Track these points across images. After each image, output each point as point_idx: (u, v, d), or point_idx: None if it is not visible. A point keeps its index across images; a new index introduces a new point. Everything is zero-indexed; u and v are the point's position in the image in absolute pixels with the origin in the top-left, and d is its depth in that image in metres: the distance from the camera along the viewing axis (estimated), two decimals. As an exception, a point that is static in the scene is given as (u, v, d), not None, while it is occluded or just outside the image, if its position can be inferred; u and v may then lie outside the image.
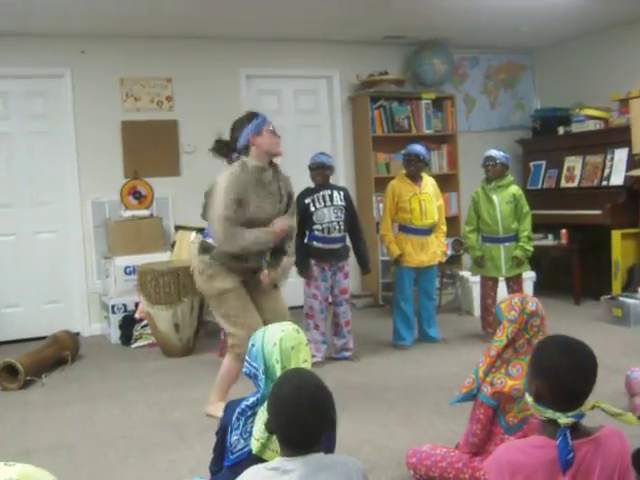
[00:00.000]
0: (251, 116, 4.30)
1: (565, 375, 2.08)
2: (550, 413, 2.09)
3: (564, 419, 2.05)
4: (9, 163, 6.99)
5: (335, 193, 5.58)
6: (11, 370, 5.34)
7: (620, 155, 7.30)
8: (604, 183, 7.42)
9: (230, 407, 2.80)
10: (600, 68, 8.12)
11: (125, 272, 6.71)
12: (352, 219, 5.67)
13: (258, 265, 4.42)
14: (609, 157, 7.44)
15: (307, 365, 2.61)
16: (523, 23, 7.50)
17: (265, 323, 4.31)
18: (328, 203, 5.50)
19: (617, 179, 7.28)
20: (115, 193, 7.08)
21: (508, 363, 3.04)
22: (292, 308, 7.26)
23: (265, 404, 2.42)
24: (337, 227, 5.51)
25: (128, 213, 6.99)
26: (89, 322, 7.22)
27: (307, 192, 5.53)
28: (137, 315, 6.59)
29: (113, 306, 6.74)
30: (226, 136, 4.32)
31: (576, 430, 2.08)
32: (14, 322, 6.93)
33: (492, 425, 3.04)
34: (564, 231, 7.47)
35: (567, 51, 8.63)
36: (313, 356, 5.31)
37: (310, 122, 8.10)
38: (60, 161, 7.11)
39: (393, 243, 5.96)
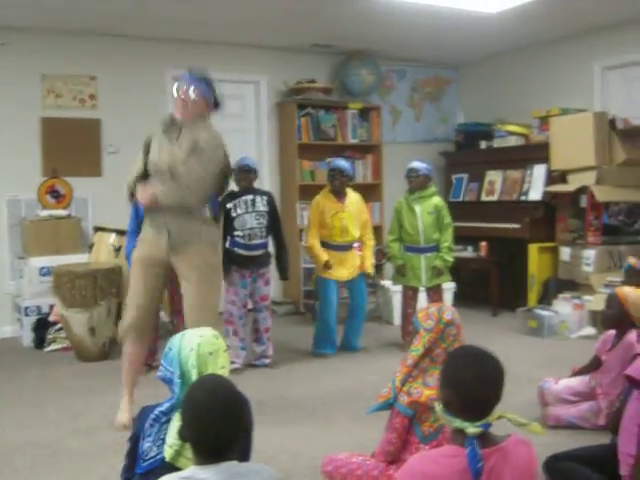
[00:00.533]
0: (185, 75, 4.32)
1: (471, 385, 2.11)
2: (458, 422, 2.12)
3: (472, 429, 2.08)
4: None
5: (258, 198, 5.53)
6: None
7: (539, 171, 7.49)
8: (523, 198, 7.60)
9: (143, 413, 2.73)
10: (521, 85, 8.35)
11: (40, 273, 6.52)
12: (275, 224, 5.64)
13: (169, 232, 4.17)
14: (528, 172, 7.63)
15: (224, 372, 2.57)
16: (449, 38, 7.63)
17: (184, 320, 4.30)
18: (250, 209, 5.46)
19: (535, 194, 7.46)
20: (32, 192, 6.88)
21: (425, 372, 3.05)
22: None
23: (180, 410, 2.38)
24: (259, 233, 5.48)
25: (45, 212, 6.80)
26: (0, 324, 6.99)
27: (230, 196, 5.44)
28: (51, 318, 6.42)
29: (26, 308, 6.54)
30: None
31: (485, 439, 2.10)
32: None
33: (408, 434, 3.05)
34: (484, 243, 7.62)
35: (490, 68, 8.84)
36: (232, 362, 5.25)
37: (236, 127, 8.03)
38: (-25, 157, 6.88)
39: (321, 251, 5.95)
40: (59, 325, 6.31)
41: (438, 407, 2.20)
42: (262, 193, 5.66)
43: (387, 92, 8.87)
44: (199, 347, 2.54)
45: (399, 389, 3.08)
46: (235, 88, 8.06)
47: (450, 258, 6.11)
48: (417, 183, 6.08)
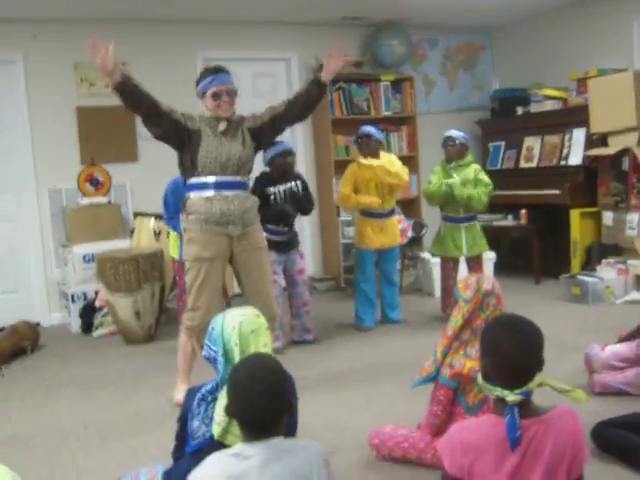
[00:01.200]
0: (209, 70, 4.31)
1: (509, 352, 2.10)
2: (498, 391, 2.11)
3: (511, 397, 2.07)
4: (-38, 151, 6.84)
5: (293, 184, 5.51)
6: (-31, 362, 5.26)
7: (578, 135, 7.37)
8: (562, 163, 7.49)
9: (190, 393, 2.78)
10: (558, 47, 8.18)
11: (84, 260, 6.62)
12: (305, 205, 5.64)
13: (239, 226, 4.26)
14: (567, 137, 7.50)
15: (267, 349, 2.60)
16: (480, 2, 7.50)
17: (251, 300, 4.27)
18: (288, 198, 5.45)
19: (575, 159, 7.34)
20: (72, 181, 6.96)
21: (466, 344, 3.04)
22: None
23: (225, 388, 2.41)
24: (290, 221, 5.52)
25: (85, 200, 6.88)
26: (49, 311, 7.12)
27: (269, 181, 5.44)
28: (97, 303, 6.51)
29: (73, 295, 6.65)
30: None
31: (526, 408, 2.09)
32: (-29, 313, 6.81)
33: (453, 406, 3.05)
34: (523, 211, 7.52)
35: (525, 31, 8.68)
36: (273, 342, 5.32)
37: (268, 105, 8.01)
38: (15, 149, 6.97)
39: (361, 196, 5.88)
40: (105, 310, 6.41)
41: (478, 377, 2.19)
42: (296, 178, 5.61)
43: (419, 62, 8.77)
44: (241, 325, 2.58)
45: (441, 361, 3.07)
46: (266, 66, 8.07)
47: (485, 198, 5.91)
48: (454, 152, 5.98)
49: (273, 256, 5.40)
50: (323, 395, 4.39)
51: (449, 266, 6.19)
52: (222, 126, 4.22)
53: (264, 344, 2.62)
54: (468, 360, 3.00)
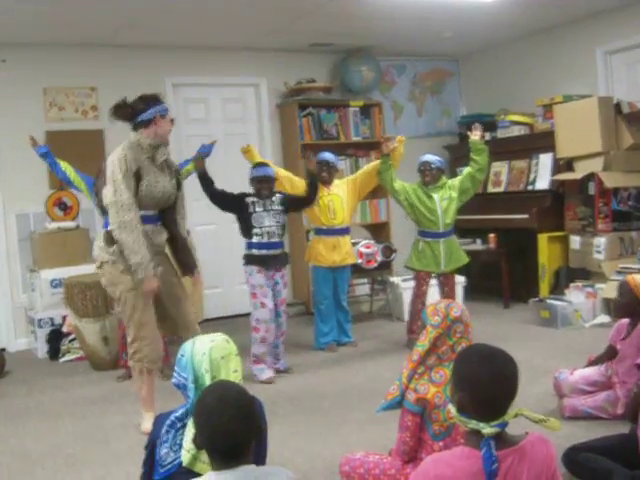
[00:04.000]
0: (159, 98, 4.43)
1: (485, 384, 2.07)
2: (473, 424, 2.08)
3: (487, 429, 2.05)
4: None
5: (273, 197, 5.48)
6: None
7: (545, 160, 7.47)
8: (530, 187, 7.58)
9: (159, 420, 2.74)
10: (523, 74, 8.32)
11: (51, 285, 6.54)
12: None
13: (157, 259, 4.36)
14: (534, 162, 7.61)
15: (237, 375, 2.58)
16: (446, 29, 7.61)
17: (176, 319, 4.47)
18: (268, 207, 5.41)
19: (542, 183, 7.44)
20: (40, 205, 6.91)
21: (431, 369, 3.02)
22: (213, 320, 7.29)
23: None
24: (277, 232, 5.43)
25: (54, 225, 6.82)
26: (15, 337, 7.02)
27: (244, 196, 5.48)
28: (64, 329, 6.44)
29: (40, 320, 6.57)
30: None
31: (501, 439, 2.07)
32: None
33: (421, 432, 3.04)
34: (492, 235, 7.59)
35: (491, 58, 8.81)
36: (262, 373, 5.31)
37: (238, 130, 8.05)
38: (-19, 173, 6.91)
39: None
40: (72, 336, 6.34)
41: (452, 409, 2.17)
42: (278, 192, 5.62)
43: (388, 88, 8.86)
44: (211, 351, 2.56)
45: (406, 386, 3.05)
46: (235, 91, 8.09)
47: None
48: (432, 176, 6.00)
49: (260, 279, 5.34)
50: (293, 421, 4.37)
51: (423, 287, 6.09)
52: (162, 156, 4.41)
53: (234, 370, 2.59)
54: (432, 385, 2.98)
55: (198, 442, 2.12)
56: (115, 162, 4.19)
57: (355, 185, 6.26)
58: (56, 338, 6.49)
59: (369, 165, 6.44)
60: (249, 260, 5.42)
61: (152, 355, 4.32)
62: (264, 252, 5.38)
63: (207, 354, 2.55)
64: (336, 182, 6.23)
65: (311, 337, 6.46)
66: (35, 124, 6.97)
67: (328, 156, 6.21)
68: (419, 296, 6.16)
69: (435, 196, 6.01)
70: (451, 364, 2.70)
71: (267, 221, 5.37)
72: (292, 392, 5.06)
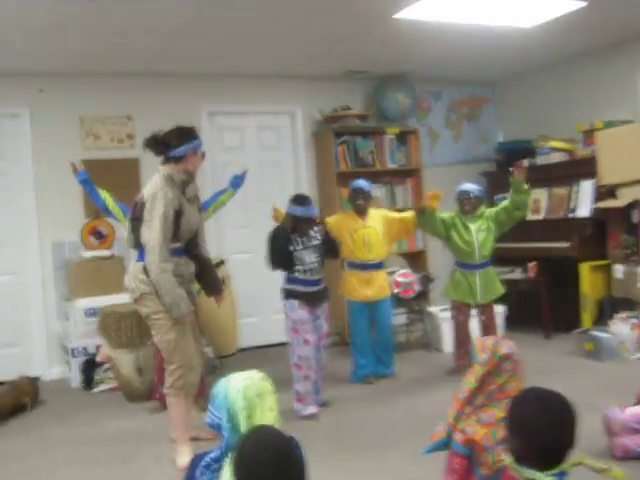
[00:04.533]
0: (194, 133, 4.47)
1: (542, 431, 1.96)
2: (530, 473, 1.96)
3: (545, 479, 1.93)
4: (-35, 204, 6.79)
5: (312, 232, 5.28)
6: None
7: (586, 187, 7.30)
8: (570, 215, 7.41)
9: (194, 461, 2.66)
10: (561, 99, 8.17)
11: (86, 314, 6.51)
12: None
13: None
14: (575, 189, 7.44)
15: (273, 414, 2.50)
16: (483, 54, 7.51)
17: None
18: (307, 244, 5.21)
19: (583, 211, 7.26)
20: (75, 233, 6.91)
21: (479, 409, 2.90)
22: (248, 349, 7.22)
23: (230, 456, 2.31)
24: (318, 267, 5.23)
25: (89, 254, 6.81)
26: (49, 366, 6.99)
27: (285, 230, 5.24)
28: (98, 359, 6.39)
29: (74, 349, 6.53)
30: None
31: None
32: (-30, 367, 6.69)
33: (469, 475, 2.91)
34: (532, 264, 7.42)
35: (528, 83, 8.69)
36: (306, 409, 5.18)
37: (273, 158, 8.02)
38: (19, 202, 6.93)
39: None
40: (106, 366, 6.29)
41: (507, 458, 2.05)
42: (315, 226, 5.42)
43: (424, 114, 8.78)
44: (245, 389, 2.48)
45: (453, 426, 2.94)
46: (270, 119, 8.05)
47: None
48: (471, 205, 5.97)
49: (302, 315, 5.17)
50: (331, 458, 4.24)
51: (462, 316, 6.11)
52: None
53: (270, 408, 2.51)
54: (481, 426, 2.86)
55: None
56: (156, 200, 4.22)
57: (390, 227, 6.05)
58: (90, 368, 6.45)
59: (405, 216, 6.13)
60: (289, 294, 5.22)
61: (194, 382, 4.47)
62: (306, 289, 5.19)
63: (242, 392, 2.48)
64: (372, 213, 6.04)
65: (347, 369, 6.32)
66: (72, 152, 6.97)
67: (363, 183, 6.03)
68: (459, 325, 6.15)
69: (472, 227, 5.96)
70: (500, 404, 2.59)
71: (308, 258, 5.17)
72: (330, 427, 4.94)
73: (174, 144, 4.33)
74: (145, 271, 4.29)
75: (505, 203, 5.94)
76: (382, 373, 6.12)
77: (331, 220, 5.92)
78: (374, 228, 5.94)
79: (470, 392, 2.92)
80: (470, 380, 2.93)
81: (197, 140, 4.43)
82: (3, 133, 6.92)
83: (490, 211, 6.06)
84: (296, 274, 5.18)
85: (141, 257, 4.36)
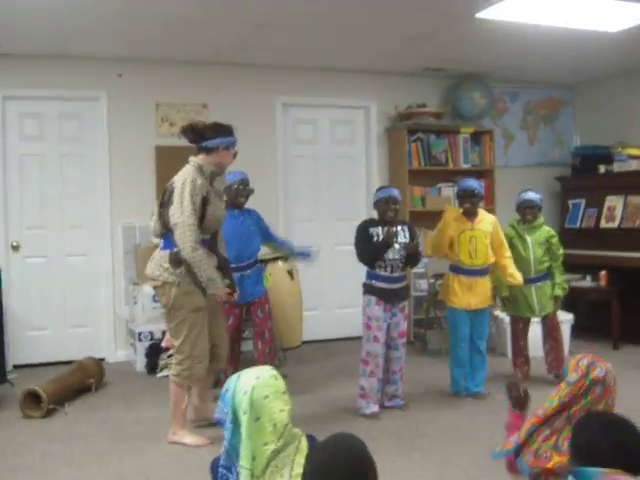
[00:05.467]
0: (230, 130, 4.56)
1: (607, 457, 1.87)
2: None
3: None
4: (42, 184, 6.94)
5: (399, 228, 5.17)
6: (34, 397, 5.22)
7: (664, 196, 7.10)
8: (646, 225, 7.21)
9: (214, 466, 2.62)
10: (642, 106, 7.95)
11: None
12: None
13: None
14: (652, 198, 7.24)
15: (284, 415, 2.37)
16: (563, 57, 7.33)
17: (213, 349, 4.70)
18: (393, 239, 5.07)
19: (660, 222, 7.07)
20: (146, 218, 6.97)
21: (559, 434, 2.72)
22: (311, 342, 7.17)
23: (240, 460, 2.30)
24: (400, 265, 5.10)
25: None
26: (115, 348, 7.12)
27: (372, 223, 5.19)
28: (163, 344, 6.46)
29: (140, 333, 6.62)
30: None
31: None
32: (40, 345, 6.86)
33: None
34: (603, 272, 7.25)
35: (609, 88, 8.46)
36: (368, 407, 5.12)
37: (346, 153, 7.99)
38: (93, 184, 7.06)
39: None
40: (171, 351, 6.34)
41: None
42: (403, 223, 5.33)
43: (499, 115, 8.63)
44: (253, 390, 2.36)
45: (523, 441, 2.77)
46: (345, 113, 8.02)
47: (566, 286, 5.97)
48: (533, 215, 5.85)
49: (378, 311, 5.08)
50: (391, 459, 4.18)
51: (519, 326, 6.03)
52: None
53: (281, 409, 2.38)
54: (556, 454, 2.68)
55: None
56: (186, 185, 4.33)
57: (492, 240, 5.60)
58: (154, 352, 6.53)
59: (501, 260, 5.61)
60: (368, 290, 5.13)
61: (200, 374, 4.61)
62: (386, 285, 5.09)
63: (249, 394, 2.35)
64: (482, 215, 5.61)
65: (413, 367, 6.19)
66: (146, 138, 7.10)
67: (473, 184, 5.60)
68: (517, 335, 6.06)
69: (529, 240, 5.85)
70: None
71: (391, 254, 5.05)
72: (393, 428, 4.88)
73: (208, 135, 4.46)
74: (172, 260, 4.41)
75: (555, 262, 5.90)
76: (473, 390, 5.63)
77: (447, 214, 5.64)
78: (482, 231, 5.52)
79: (551, 411, 2.76)
80: (553, 398, 2.77)
81: (231, 137, 4.54)
82: (81, 116, 7.05)
83: (553, 234, 5.92)
84: (377, 270, 5.08)
85: (166, 245, 4.50)
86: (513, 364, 6.09)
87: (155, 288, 4.61)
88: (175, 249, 4.39)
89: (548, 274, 5.92)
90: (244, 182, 5.51)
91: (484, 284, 5.56)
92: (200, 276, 4.35)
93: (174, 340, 4.59)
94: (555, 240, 5.89)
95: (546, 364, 6.03)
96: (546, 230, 5.91)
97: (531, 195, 5.89)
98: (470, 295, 5.51)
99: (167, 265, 4.42)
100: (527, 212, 5.85)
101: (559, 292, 5.88)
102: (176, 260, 4.40)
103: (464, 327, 5.54)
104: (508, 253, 5.64)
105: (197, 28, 6.06)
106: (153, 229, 4.75)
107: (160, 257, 4.51)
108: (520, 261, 5.79)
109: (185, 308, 4.46)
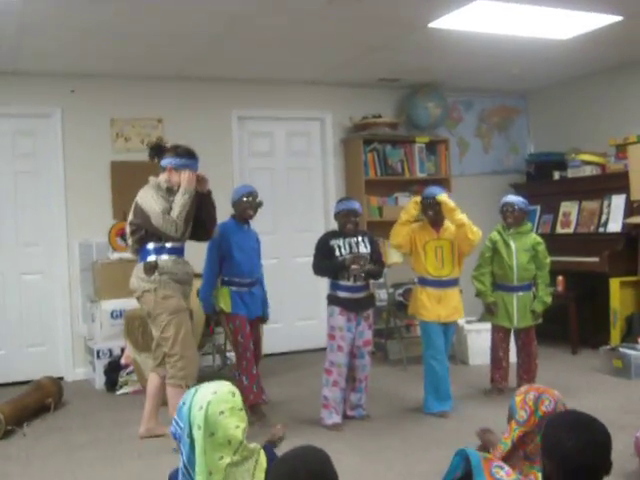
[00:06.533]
0: (189, 154, 4.74)
1: (575, 454, 1.90)
2: None
3: None
4: (-5, 202, 6.83)
5: (360, 239, 5.16)
6: (-9, 419, 5.12)
7: (617, 201, 7.21)
8: (601, 230, 7.32)
9: (172, 477, 2.61)
10: (595, 112, 8.07)
11: (111, 316, 6.53)
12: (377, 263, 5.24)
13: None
14: (606, 203, 7.36)
15: (239, 432, 2.38)
16: (515, 65, 7.43)
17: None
18: (354, 250, 5.08)
19: (614, 226, 7.17)
20: (103, 235, 6.93)
21: (520, 472, 2.63)
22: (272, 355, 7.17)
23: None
24: (362, 275, 5.08)
25: (116, 255, 6.81)
26: (73, 366, 7.01)
27: (333, 235, 5.18)
28: (123, 361, 6.40)
29: (98, 351, 6.54)
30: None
31: None
32: (-4, 366, 6.73)
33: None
34: (560, 278, 7.33)
35: (561, 95, 8.59)
36: (330, 418, 5.11)
37: (302, 165, 8.00)
38: (47, 201, 6.97)
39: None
40: (130, 368, 6.29)
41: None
42: (363, 234, 5.30)
43: (454, 124, 8.72)
44: (209, 406, 2.36)
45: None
46: (301, 125, 8.04)
47: (549, 300, 5.79)
48: (514, 218, 5.72)
49: (341, 321, 5.06)
50: (356, 471, 4.18)
51: (499, 336, 5.84)
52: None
53: (236, 426, 2.39)
54: None
55: None
56: (148, 193, 4.66)
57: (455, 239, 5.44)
58: (114, 370, 6.45)
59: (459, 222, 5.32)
60: (332, 300, 5.12)
61: (194, 373, 4.74)
62: (349, 295, 5.08)
63: (204, 409, 2.35)
64: (446, 223, 5.41)
65: (377, 377, 6.14)
66: (102, 154, 7.04)
67: (434, 191, 5.42)
68: (496, 345, 5.87)
69: (513, 246, 5.72)
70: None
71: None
72: (355, 440, 4.86)
73: (164, 155, 4.72)
74: (146, 269, 4.65)
75: (540, 271, 5.79)
76: (440, 409, 5.34)
77: (410, 206, 5.44)
78: (448, 240, 5.38)
79: (506, 454, 2.72)
80: (506, 441, 2.75)
81: (181, 159, 4.68)
82: (35, 133, 6.97)
83: (539, 242, 5.80)
84: (340, 280, 5.09)
85: (141, 258, 4.73)
86: (490, 377, 5.88)
87: (138, 299, 4.80)
88: (148, 259, 4.66)
89: (532, 284, 5.80)
90: (252, 194, 5.38)
91: (453, 296, 5.41)
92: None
93: (164, 347, 4.73)
94: (542, 248, 5.76)
95: (517, 376, 5.83)
96: (532, 237, 5.80)
97: (511, 198, 5.83)
98: (439, 307, 5.34)
99: (142, 275, 4.67)
100: (507, 215, 5.74)
101: (539, 307, 5.73)
102: (148, 268, 4.64)
103: (439, 339, 5.35)
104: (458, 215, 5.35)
105: (150, 43, 6.03)
106: (130, 248, 4.92)
107: (137, 270, 4.75)
108: (503, 267, 5.72)
109: (165, 312, 4.65)
